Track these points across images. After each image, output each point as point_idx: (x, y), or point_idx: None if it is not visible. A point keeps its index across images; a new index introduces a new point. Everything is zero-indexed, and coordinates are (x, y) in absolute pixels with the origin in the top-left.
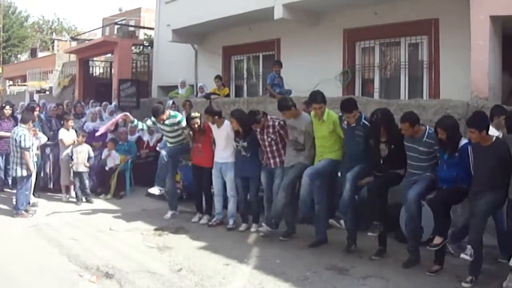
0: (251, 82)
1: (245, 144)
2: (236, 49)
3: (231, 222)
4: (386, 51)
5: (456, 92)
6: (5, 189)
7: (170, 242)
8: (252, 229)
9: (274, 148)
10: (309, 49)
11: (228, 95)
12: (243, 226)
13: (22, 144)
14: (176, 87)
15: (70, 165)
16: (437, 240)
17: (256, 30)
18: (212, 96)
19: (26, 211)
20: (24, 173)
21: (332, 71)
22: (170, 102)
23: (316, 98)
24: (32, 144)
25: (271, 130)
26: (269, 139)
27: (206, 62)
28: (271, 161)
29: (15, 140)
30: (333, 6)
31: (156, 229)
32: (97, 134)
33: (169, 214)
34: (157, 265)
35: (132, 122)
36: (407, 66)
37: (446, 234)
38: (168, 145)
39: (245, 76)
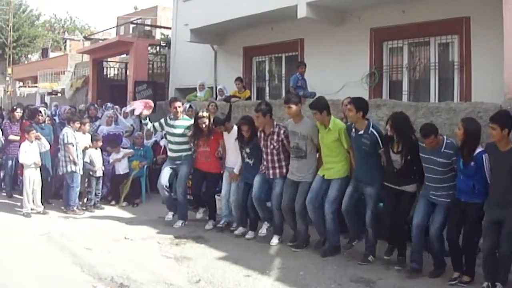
0: (273, 84)
1: (247, 150)
2: (258, 50)
3: (234, 224)
4: (415, 51)
5: (489, 94)
6: (14, 195)
7: (188, 252)
8: (248, 236)
9: (276, 158)
10: (334, 50)
11: (249, 98)
12: (239, 230)
13: (65, 140)
14: (194, 89)
15: (91, 172)
16: (467, 278)
17: (279, 30)
18: (233, 99)
19: (78, 208)
20: (72, 168)
21: (359, 72)
22: (187, 106)
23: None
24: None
25: (275, 137)
26: (272, 147)
27: (226, 63)
28: (270, 171)
29: (61, 138)
30: (359, 5)
31: (173, 238)
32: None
33: (179, 222)
34: (175, 276)
35: (145, 119)
36: (437, 67)
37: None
38: (170, 153)
39: (267, 78)
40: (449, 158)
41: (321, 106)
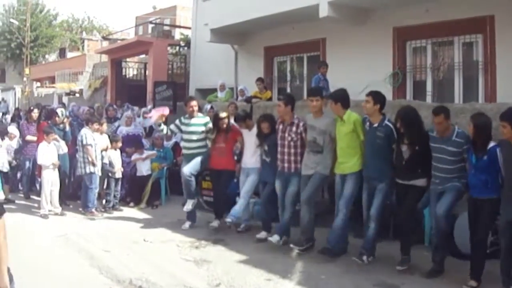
0: (295, 84)
1: (266, 147)
2: (279, 50)
3: (242, 225)
4: (438, 51)
5: None
6: (31, 196)
7: (208, 255)
8: (258, 236)
9: (292, 151)
10: (356, 49)
11: (270, 99)
12: (262, 234)
13: (84, 141)
14: (215, 90)
15: (110, 173)
16: (473, 283)
17: (300, 30)
18: (253, 100)
19: (96, 209)
20: (91, 169)
21: (382, 72)
22: (208, 106)
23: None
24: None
25: (294, 129)
26: (289, 138)
27: (247, 63)
28: (286, 164)
29: (80, 140)
30: (381, 3)
31: (193, 241)
32: (149, 116)
33: (189, 204)
34: (194, 280)
35: (159, 125)
36: (461, 67)
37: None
38: (186, 152)
39: (288, 78)
40: (459, 147)
41: (337, 96)
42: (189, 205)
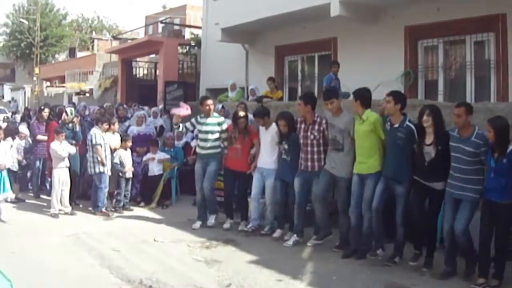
0: (306, 84)
1: (286, 146)
2: (290, 49)
3: (266, 228)
4: (450, 50)
5: None
6: (41, 195)
7: (218, 255)
8: (286, 237)
9: (315, 149)
10: (368, 49)
11: (281, 99)
12: (277, 233)
13: (93, 141)
14: (225, 89)
15: (120, 173)
16: (481, 280)
17: (311, 29)
18: (264, 100)
19: (106, 209)
20: (100, 169)
21: (393, 72)
22: (220, 106)
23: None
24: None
25: (316, 127)
26: (312, 137)
27: (258, 63)
28: (309, 163)
29: (89, 139)
30: (393, 2)
31: (203, 241)
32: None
33: (212, 219)
34: (204, 280)
35: (176, 124)
36: (473, 66)
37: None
38: (201, 151)
39: (299, 78)
40: (477, 148)
41: (357, 94)
42: (212, 220)
